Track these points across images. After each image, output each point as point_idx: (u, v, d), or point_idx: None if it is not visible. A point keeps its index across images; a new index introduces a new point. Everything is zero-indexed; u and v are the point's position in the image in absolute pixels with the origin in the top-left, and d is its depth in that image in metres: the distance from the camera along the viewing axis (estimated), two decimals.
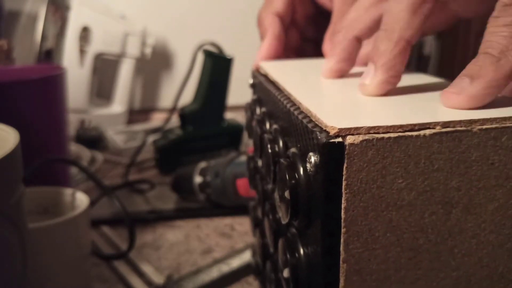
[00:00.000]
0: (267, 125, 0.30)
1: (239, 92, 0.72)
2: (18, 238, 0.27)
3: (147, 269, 0.47)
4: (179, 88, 0.77)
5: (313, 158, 0.19)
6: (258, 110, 0.34)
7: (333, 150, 0.18)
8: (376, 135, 0.18)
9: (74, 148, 0.76)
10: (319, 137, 0.19)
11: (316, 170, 0.19)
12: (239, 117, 0.82)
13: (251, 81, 0.39)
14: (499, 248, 0.21)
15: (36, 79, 0.50)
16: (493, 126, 0.19)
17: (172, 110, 0.79)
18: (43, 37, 0.85)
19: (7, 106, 0.47)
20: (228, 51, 0.77)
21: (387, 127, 0.19)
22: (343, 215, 0.19)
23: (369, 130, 0.18)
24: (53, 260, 0.38)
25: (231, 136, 0.78)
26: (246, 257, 0.47)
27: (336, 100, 0.26)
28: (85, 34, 0.94)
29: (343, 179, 0.19)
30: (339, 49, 0.31)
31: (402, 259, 0.20)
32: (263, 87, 0.33)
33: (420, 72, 0.33)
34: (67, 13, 0.92)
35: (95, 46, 0.95)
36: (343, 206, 0.19)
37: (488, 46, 0.22)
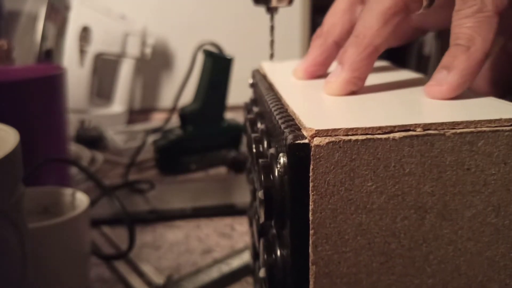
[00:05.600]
0: (258, 125, 0.30)
1: (239, 92, 0.72)
2: (18, 238, 0.27)
3: (147, 269, 0.47)
4: (179, 88, 0.77)
5: (282, 159, 0.19)
6: (253, 110, 0.35)
7: (299, 151, 0.18)
8: (344, 137, 0.18)
9: (74, 148, 0.76)
10: (287, 138, 0.19)
11: (285, 170, 0.19)
12: (239, 117, 0.82)
13: (251, 81, 0.39)
14: (478, 256, 0.20)
15: (36, 79, 0.50)
16: (468, 130, 0.18)
17: (172, 110, 0.79)
18: (43, 37, 0.85)
19: (7, 106, 0.48)
20: (228, 51, 0.77)
21: (365, 128, 0.18)
22: (310, 217, 0.19)
23: (348, 131, 0.18)
24: (53, 260, 0.38)
25: (231, 136, 0.78)
26: (245, 257, 0.47)
27: (325, 102, 0.25)
28: (85, 34, 0.94)
29: (310, 180, 0.18)
30: (318, 53, 0.32)
31: (373, 263, 0.20)
32: (258, 87, 0.33)
33: (404, 69, 0.33)
34: (67, 13, 0.92)
35: (95, 46, 0.95)
36: (310, 207, 0.19)
37: (456, 37, 0.24)
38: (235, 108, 0.91)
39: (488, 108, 0.21)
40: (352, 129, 0.18)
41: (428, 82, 0.24)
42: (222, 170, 0.75)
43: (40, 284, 0.37)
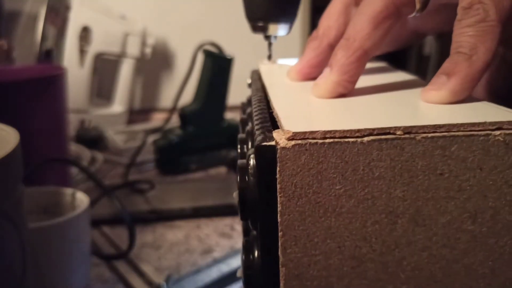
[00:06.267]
0: (247, 126, 0.30)
1: (239, 92, 0.72)
2: (18, 238, 0.27)
3: (147, 269, 0.47)
4: (179, 88, 0.77)
5: (252, 160, 0.19)
6: (247, 111, 0.35)
7: (267, 153, 0.18)
8: (310, 140, 0.18)
9: (74, 148, 0.76)
10: (256, 139, 0.19)
11: (254, 172, 0.19)
12: (239, 117, 0.82)
13: (249, 81, 0.39)
14: (454, 264, 0.19)
15: (36, 79, 0.50)
16: (440, 134, 0.18)
17: (172, 110, 0.79)
18: (43, 37, 0.85)
19: (7, 106, 0.48)
20: (228, 51, 0.77)
21: (344, 131, 0.18)
22: (279, 219, 0.19)
23: (325, 134, 0.18)
24: (53, 260, 0.38)
25: (231, 136, 0.78)
26: None
27: (311, 104, 0.25)
28: (85, 34, 0.94)
29: (277, 182, 0.18)
30: (312, 55, 0.32)
31: (344, 267, 0.20)
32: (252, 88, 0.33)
33: (402, 71, 0.33)
34: (67, 13, 0.92)
35: (95, 46, 0.95)
36: (278, 209, 0.19)
37: (458, 46, 0.24)
38: (235, 108, 0.91)
39: (471, 112, 0.20)
40: (331, 131, 0.18)
41: (426, 86, 0.24)
42: (222, 170, 0.75)
43: (40, 284, 0.37)
